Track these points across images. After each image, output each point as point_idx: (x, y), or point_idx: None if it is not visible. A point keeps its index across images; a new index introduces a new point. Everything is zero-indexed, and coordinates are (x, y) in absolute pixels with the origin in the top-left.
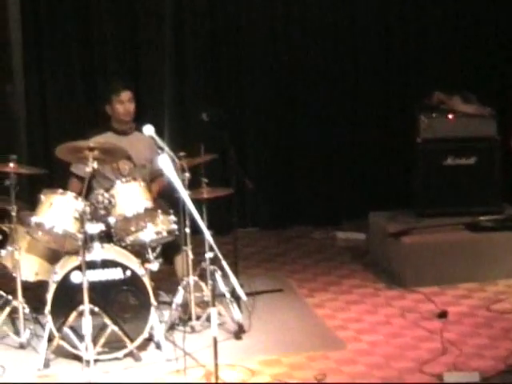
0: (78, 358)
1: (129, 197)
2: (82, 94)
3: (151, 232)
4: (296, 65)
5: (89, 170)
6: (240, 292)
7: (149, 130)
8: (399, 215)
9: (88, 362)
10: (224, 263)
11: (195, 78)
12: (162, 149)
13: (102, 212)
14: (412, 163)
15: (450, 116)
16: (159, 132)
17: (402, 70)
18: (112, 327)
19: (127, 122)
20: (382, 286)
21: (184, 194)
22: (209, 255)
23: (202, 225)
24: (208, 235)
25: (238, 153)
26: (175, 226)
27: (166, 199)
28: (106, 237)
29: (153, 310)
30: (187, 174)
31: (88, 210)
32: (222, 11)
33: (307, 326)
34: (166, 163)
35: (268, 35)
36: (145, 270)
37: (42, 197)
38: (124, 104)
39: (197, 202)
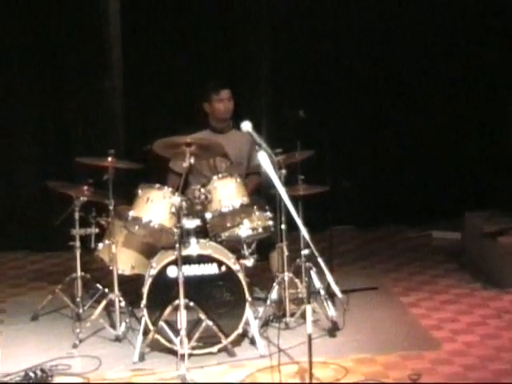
0: (173, 352)
1: (225, 192)
2: (179, 91)
3: (247, 228)
4: (392, 66)
5: (186, 165)
6: (335, 289)
7: (247, 125)
8: (496, 215)
9: (182, 356)
10: (320, 260)
11: (292, 76)
12: (259, 145)
13: (199, 207)
14: (510, 163)
15: None
16: (256, 129)
17: (499, 74)
18: (207, 322)
19: (226, 120)
20: (478, 286)
21: (281, 191)
22: (304, 252)
23: (299, 221)
24: (304, 232)
25: (335, 150)
26: (271, 223)
27: (262, 196)
28: (202, 232)
29: (247, 305)
30: (284, 171)
31: (184, 205)
32: (319, 15)
33: (402, 325)
34: (264, 159)
35: (363, 38)
36: (240, 266)
37: (140, 191)
38: (224, 102)
39: (293, 199)
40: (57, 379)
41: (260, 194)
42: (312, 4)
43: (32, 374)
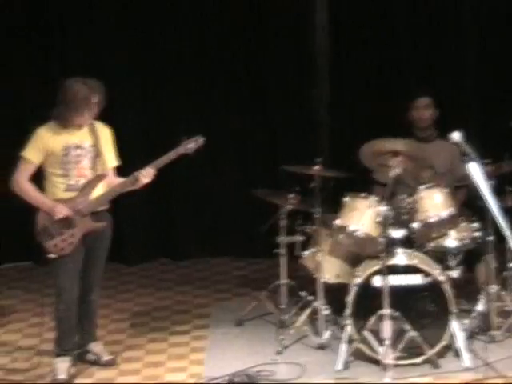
0: (376, 362)
1: (432, 203)
2: (385, 100)
3: (453, 239)
4: None
5: (392, 175)
6: None
7: (456, 136)
8: None
9: (386, 366)
10: None
11: (499, 85)
12: (469, 156)
13: (405, 217)
14: None
15: None
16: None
17: None
18: (411, 333)
19: (423, 129)
20: None
21: (490, 202)
22: None
23: (507, 233)
24: None
25: None
26: (478, 234)
27: (469, 206)
28: (407, 242)
29: (452, 317)
30: (492, 182)
31: (391, 214)
32: None
33: None
34: (473, 170)
35: None
36: (445, 277)
37: (346, 200)
38: (418, 110)
39: (501, 210)
40: None
41: (467, 204)
42: None
43: (237, 379)
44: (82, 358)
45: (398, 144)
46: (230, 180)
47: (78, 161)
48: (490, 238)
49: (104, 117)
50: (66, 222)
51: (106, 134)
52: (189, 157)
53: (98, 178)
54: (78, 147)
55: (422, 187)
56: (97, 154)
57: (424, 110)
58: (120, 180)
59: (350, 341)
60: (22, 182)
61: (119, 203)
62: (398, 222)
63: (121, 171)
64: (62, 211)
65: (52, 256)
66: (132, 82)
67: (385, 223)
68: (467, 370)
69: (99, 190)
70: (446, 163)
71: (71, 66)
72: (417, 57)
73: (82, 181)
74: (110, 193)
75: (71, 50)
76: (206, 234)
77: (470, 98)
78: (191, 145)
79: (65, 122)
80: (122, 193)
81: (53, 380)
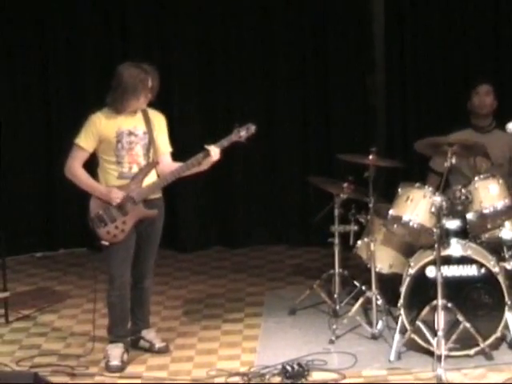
0: (429, 353)
1: (487, 193)
2: (441, 88)
3: (508, 230)
4: None
5: (447, 165)
6: None
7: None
8: None
9: (439, 357)
10: None
11: None
12: None
13: (459, 208)
14: None
15: None
16: None
17: None
18: (465, 324)
19: (483, 116)
20: None
21: None
22: None
23: None
24: None
25: None
26: None
27: None
28: (461, 233)
29: (507, 309)
30: None
31: (445, 205)
32: None
33: None
34: None
35: None
36: (500, 269)
37: (400, 190)
38: (479, 96)
39: None
40: (313, 374)
41: None
42: None
43: (289, 368)
44: (135, 345)
45: (454, 137)
46: (286, 168)
47: (130, 147)
48: None
49: (161, 104)
50: (119, 210)
51: (159, 121)
52: (242, 145)
53: (150, 165)
54: (130, 133)
55: (476, 178)
56: (150, 141)
57: (485, 97)
58: (176, 164)
59: (403, 331)
60: (75, 169)
61: (175, 191)
62: (453, 213)
63: (174, 159)
64: (118, 196)
65: (105, 243)
66: (190, 67)
67: (439, 214)
68: None
69: (151, 178)
70: (504, 154)
71: (131, 55)
72: (478, 47)
73: (135, 167)
74: (165, 179)
75: (132, 39)
76: (260, 222)
77: None
78: (243, 132)
79: (119, 108)
80: (179, 179)
81: (106, 366)
